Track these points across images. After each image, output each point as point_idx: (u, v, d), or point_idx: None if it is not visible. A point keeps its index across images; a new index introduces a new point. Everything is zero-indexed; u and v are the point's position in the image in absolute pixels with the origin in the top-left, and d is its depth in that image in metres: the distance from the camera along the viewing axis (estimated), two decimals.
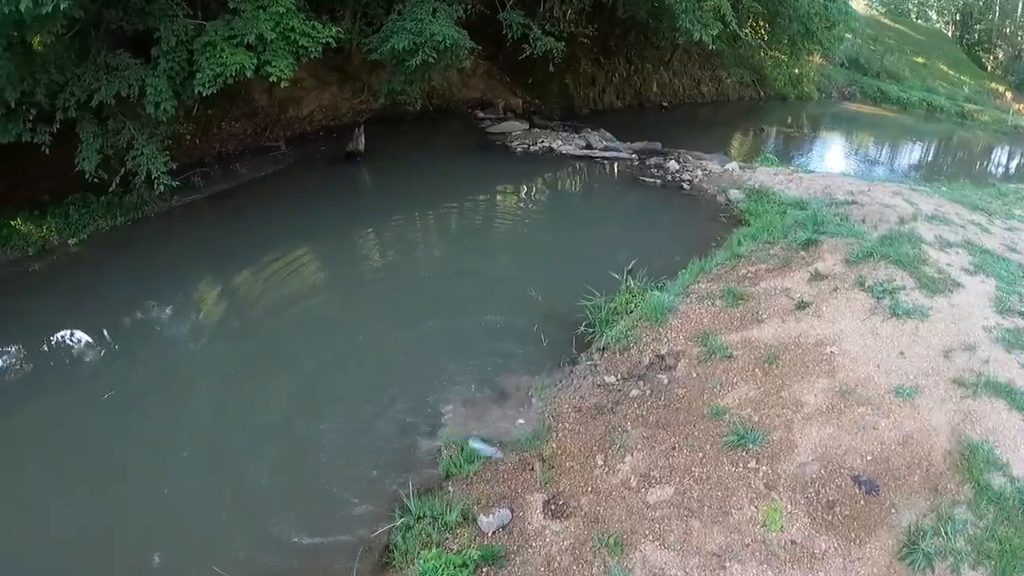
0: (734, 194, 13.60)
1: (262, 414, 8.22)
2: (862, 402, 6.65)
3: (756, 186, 13.68)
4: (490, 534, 6.05)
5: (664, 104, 23.61)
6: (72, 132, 12.41)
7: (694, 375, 7.71)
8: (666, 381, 7.73)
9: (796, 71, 26.10)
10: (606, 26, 21.37)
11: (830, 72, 28.36)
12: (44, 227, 12.87)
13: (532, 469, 6.78)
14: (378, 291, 11.46)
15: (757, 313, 8.54)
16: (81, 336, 10.52)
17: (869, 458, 6.07)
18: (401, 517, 6.37)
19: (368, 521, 6.57)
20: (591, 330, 9.01)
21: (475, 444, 7.22)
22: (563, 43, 16.35)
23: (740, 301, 8.83)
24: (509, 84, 21.86)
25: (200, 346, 10.22)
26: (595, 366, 8.31)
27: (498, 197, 15.54)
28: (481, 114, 19.90)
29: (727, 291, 9.05)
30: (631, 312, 9.07)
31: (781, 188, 13.40)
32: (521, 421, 7.68)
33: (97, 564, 6.44)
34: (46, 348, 10.43)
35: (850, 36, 28.05)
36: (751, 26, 22.54)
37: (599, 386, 7.95)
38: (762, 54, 24.87)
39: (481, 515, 6.15)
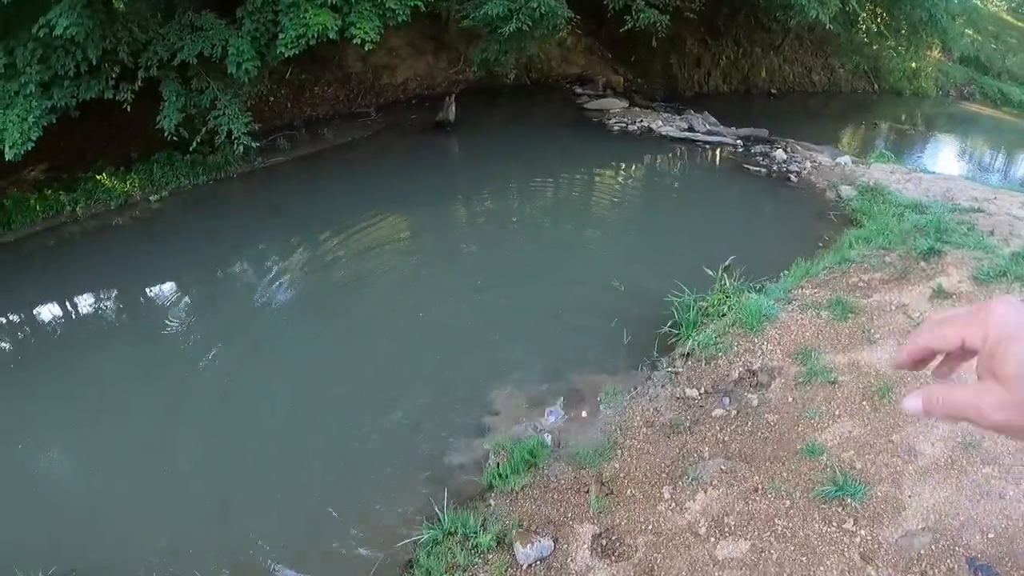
0: (845, 191, 12.09)
1: (307, 386, 7.75)
2: (988, 460, 5.34)
3: (870, 184, 12.09)
4: (525, 567, 5.12)
5: (773, 91, 21.77)
6: (160, 91, 12.24)
7: (789, 399, 6.53)
8: (756, 402, 6.58)
9: (913, 64, 23.57)
10: (714, 4, 19.73)
11: (948, 69, 25.53)
12: (128, 182, 12.98)
13: (587, 492, 5.79)
14: (455, 264, 10.72)
15: (869, 331, 7.26)
16: (156, 290, 10.59)
17: (991, 536, 4.79)
18: (429, 530, 5.54)
19: (394, 530, 5.82)
20: (676, 332, 7.89)
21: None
22: (667, 16, 14.94)
23: (849, 314, 7.55)
24: (610, 61, 20.60)
25: (266, 310, 9.81)
26: (676, 374, 7.22)
27: (592, 176, 14.41)
28: (579, 90, 18.73)
29: (835, 301, 7.77)
30: (723, 315, 7.92)
31: (898, 188, 11.80)
32: (585, 429, 6.71)
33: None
34: (117, 300, 10.51)
35: (971, 32, 25.28)
36: (868, 10, 20.51)
37: (678, 399, 6.87)
38: (878, 44, 22.71)
39: (518, 543, 5.22)
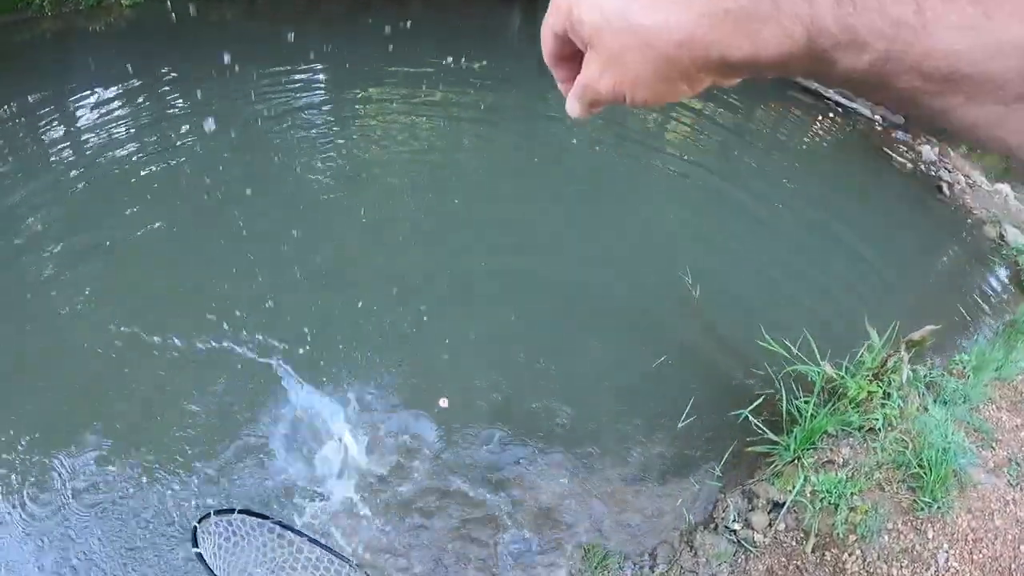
0: (1012, 234, 7.41)
1: None
2: None
3: None
4: None
5: None
6: None
7: None
8: None
9: None
10: None
11: None
12: None
13: None
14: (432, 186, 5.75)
15: None
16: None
17: None
18: None
19: None
20: (773, 437, 3.41)
21: None
22: None
23: None
24: None
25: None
26: (747, 553, 2.85)
27: (673, 113, 8.89)
28: None
29: None
30: (870, 431, 3.46)
31: None
32: None
33: None
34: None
35: None
36: None
37: None
38: None
39: None
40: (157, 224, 4.36)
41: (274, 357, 3.47)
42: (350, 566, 1.99)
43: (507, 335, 3.94)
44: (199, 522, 1.60)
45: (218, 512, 1.65)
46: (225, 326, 3.53)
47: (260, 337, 3.55)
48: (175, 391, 3.25)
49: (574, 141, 7.02)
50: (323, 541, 1.96)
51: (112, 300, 3.70)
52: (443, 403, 3.40)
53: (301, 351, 3.52)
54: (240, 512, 1.71)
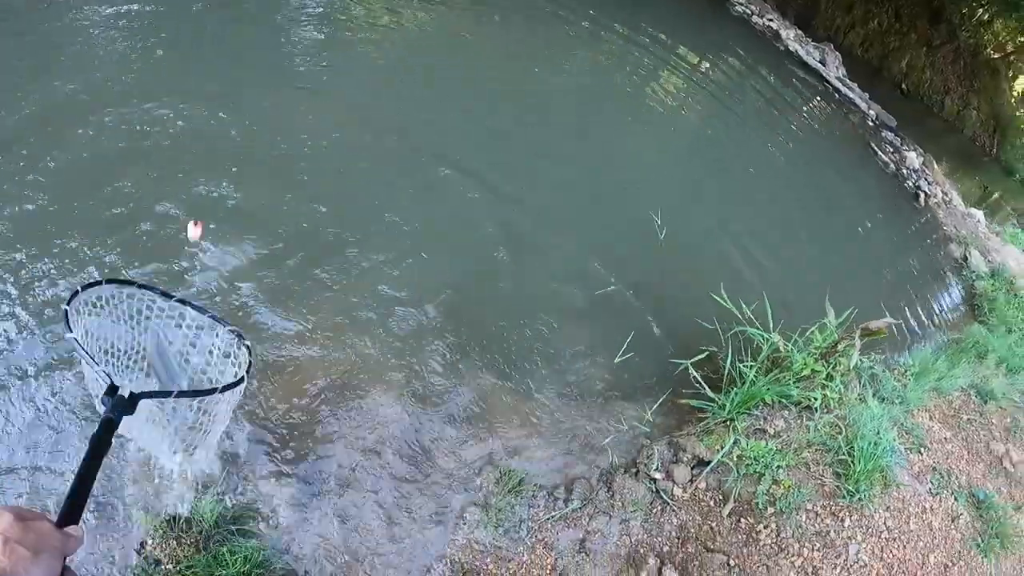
0: (975, 259, 7.50)
1: None
2: None
3: (1004, 270, 7.41)
4: None
5: (904, 87, 16.14)
6: None
7: None
8: None
9: None
10: None
11: None
12: None
13: None
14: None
15: None
16: None
17: None
18: None
19: None
20: (709, 398, 3.21)
21: None
22: None
23: (1001, 545, 3.25)
24: None
25: None
26: (665, 507, 2.70)
27: (674, 57, 8.24)
28: None
29: (983, 500, 3.60)
30: (807, 407, 3.32)
31: None
32: None
33: None
34: None
35: None
36: None
37: None
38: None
39: None
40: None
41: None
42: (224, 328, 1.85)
43: (466, 221, 3.65)
44: (68, 303, 1.49)
45: (85, 287, 1.57)
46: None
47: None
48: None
49: (578, 54, 6.69)
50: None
51: None
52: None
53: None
54: (108, 282, 1.62)
